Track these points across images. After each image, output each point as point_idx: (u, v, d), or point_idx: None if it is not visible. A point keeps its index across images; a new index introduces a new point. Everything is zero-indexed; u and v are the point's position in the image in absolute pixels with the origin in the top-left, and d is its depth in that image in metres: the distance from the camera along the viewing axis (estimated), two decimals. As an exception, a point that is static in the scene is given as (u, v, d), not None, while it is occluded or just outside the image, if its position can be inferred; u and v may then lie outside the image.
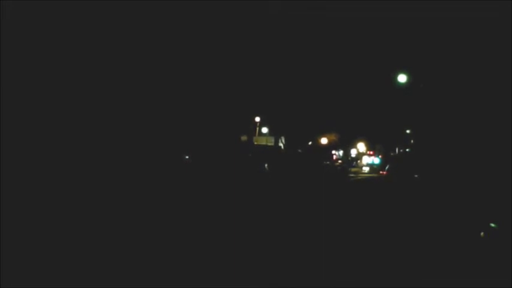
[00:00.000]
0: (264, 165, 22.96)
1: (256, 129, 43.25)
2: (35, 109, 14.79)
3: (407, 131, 47.53)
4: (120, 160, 15.76)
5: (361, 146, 69.82)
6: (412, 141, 46.72)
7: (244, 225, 9.77)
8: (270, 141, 39.40)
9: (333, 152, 57.14)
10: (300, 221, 11.13)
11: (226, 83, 25.10)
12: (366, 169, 60.76)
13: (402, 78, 22.65)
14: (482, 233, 8.08)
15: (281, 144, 38.84)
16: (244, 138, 31.34)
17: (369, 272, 6.31)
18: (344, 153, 64.61)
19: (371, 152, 70.73)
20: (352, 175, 48.05)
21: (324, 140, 47.10)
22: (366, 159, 68.74)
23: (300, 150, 39.36)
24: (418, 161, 24.22)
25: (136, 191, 12.95)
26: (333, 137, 48.64)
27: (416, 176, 20.85)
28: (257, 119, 41.78)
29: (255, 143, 35.26)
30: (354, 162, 67.60)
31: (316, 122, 40.50)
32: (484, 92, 19.49)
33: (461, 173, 17.26)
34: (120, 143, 16.85)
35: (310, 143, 45.35)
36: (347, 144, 61.12)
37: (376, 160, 65.32)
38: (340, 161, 58.04)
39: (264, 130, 45.79)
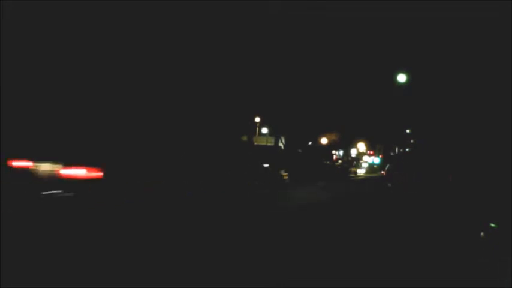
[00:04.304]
0: (264, 166, 22.98)
1: (256, 129, 43.20)
2: (35, 109, 14.81)
3: (407, 131, 47.56)
4: (121, 160, 15.75)
5: (361, 146, 69.67)
6: (412, 141, 46.79)
7: (245, 225, 9.77)
8: (270, 141, 39.37)
9: (333, 152, 57.02)
10: (300, 221, 11.13)
11: (227, 84, 25.08)
12: (362, 171, 59.00)
13: (402, 78, 22.63)
14: (482, 233, 8.09)
15: (281, 144, 38.80)
16: (244, 138, 31.35)
17: (369, 271, 6.31)
18: (344, 153, 64.46)
19: (371, 152, 70.66)
20: (352, 175, 48.11)
21: (324, 140, 47.01)
22: (366, 159, 68.54)
23: (300, 150, 39.31)
24: (417, 161, 24.23)
25: (138, 190, 12.94)
26: (333, 137, 48.52)
27: (410, 175, 20.84)
28: (257, 119, 41.75)
29: (255, 143, 35.23)
30: (355, 162, 67.42)
31: (316, 122, 40.40)
32: (484, 92, 19.51)
33: (461, 173, 17.27)
34: (121, 143, 16.84)
35: (310, 143, 45.30)
36: (347, 144, 60.96)
37: (376, 160, 65.16)
38: (340, 161, 57.89)
39: (264, 130, 45.76)
